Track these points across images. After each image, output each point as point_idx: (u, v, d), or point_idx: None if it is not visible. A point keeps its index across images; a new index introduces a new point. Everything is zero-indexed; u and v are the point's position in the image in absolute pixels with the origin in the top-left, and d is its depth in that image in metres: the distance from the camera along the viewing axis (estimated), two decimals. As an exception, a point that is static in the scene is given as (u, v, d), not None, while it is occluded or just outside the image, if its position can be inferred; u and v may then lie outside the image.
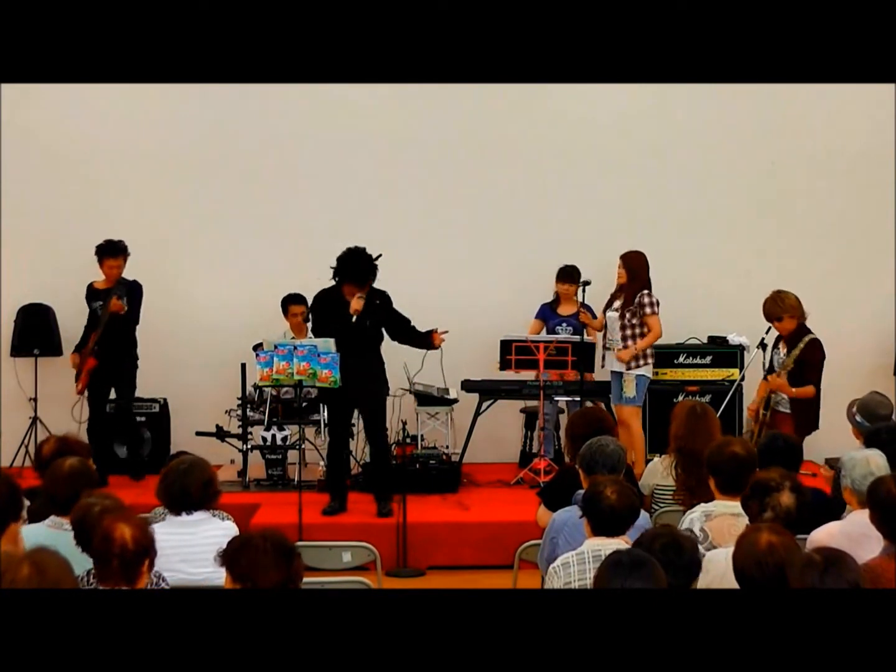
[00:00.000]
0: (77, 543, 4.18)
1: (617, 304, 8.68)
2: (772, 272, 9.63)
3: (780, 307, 7.96)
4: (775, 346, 8.16)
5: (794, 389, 7.85)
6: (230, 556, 3.64)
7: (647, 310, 8.57)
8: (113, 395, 9.05)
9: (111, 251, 8.82)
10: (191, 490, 4.80)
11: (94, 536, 3.90)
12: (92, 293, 8.98)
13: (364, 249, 7.82)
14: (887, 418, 6.30)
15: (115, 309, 8.73)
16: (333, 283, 7.88)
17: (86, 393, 8.91)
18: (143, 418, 9.26)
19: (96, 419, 8.93)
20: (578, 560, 4.35)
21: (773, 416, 7.89)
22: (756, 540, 3.73)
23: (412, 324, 8.10)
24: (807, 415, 7.86)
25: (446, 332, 8.07)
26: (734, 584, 3.83)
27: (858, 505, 4.72)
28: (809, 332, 7.95)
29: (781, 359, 7.99)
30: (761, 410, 7.97)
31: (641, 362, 8.61)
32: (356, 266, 7.75)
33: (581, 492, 4.87)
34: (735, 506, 4.84)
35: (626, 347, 8.57)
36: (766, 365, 8.24)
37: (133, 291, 8.90)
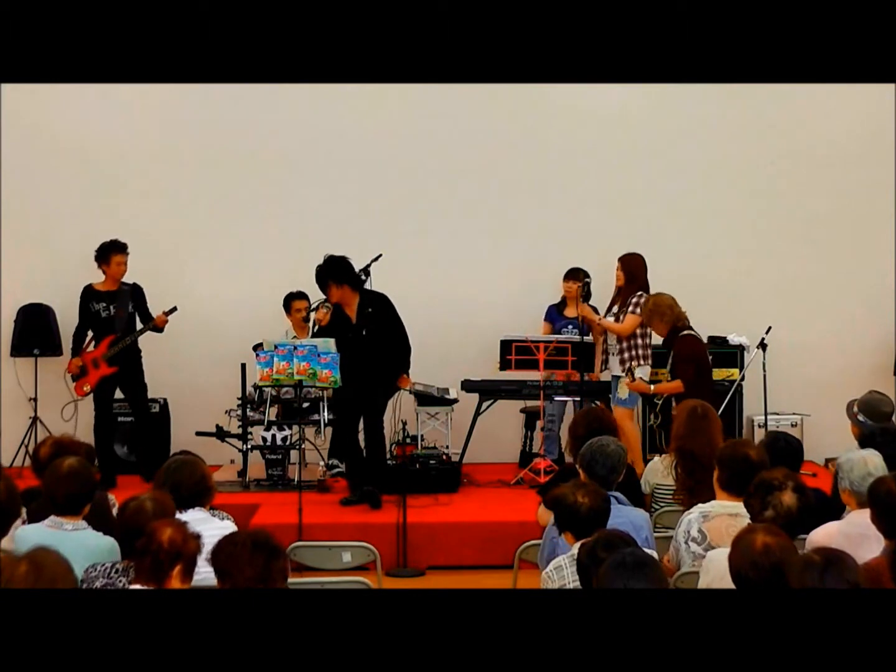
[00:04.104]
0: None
1: (615, 308, 8.65)
2: (772, 272, 9.65)
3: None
4: None
5: (652, 387, 7.81)
6: (213, 552, 3.76)
7: (630, 308, 8.46)
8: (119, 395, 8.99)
9: (120, 248, 8.76)
10: (180, 488, 4.82)
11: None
12: (92, 294, 8.83)
13: (328, 258, 7.91)
14: (889, 416, 6.31)
15: (161, 324, 8.72)
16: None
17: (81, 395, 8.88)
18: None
19: (103, 421, 8.91)
20: (570, 562, 4.35)
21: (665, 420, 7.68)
22: (752, 541, 3.72)
23: (405, 343, 8.10)
24: None
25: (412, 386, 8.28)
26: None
27: (857, 506, 4.72)
28: (683, 329, 7.72)
29: None
30: (651, 417, 7.93)
31: (641, 362, 8.55)
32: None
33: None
34: (733, 506, 4.85)
35: (621, 361, 8.47)
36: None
37: (140, 296, 8.85)
